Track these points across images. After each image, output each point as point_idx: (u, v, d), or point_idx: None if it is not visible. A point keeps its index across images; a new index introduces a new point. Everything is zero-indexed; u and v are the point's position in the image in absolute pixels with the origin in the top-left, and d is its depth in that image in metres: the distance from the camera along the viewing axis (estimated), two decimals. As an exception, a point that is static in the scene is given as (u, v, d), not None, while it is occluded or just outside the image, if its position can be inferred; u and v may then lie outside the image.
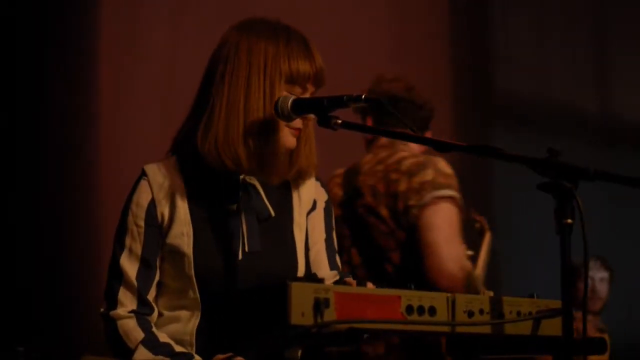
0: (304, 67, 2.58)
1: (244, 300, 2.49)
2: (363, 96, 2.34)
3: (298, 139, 2.63)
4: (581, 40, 6.50)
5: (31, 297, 3.97)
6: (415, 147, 3.81)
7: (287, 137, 2.59)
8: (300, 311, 1.96)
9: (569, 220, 2.06)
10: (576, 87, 6.40)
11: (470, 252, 4.09)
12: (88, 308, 3.77)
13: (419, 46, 5.54)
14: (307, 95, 2.59)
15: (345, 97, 2.36)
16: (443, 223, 3.67)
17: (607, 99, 6.62)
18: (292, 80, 2.57)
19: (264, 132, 2.56)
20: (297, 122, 2.59)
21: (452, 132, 5.51)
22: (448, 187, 3.72)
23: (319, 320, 1.97)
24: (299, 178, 2.71)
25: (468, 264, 3.72)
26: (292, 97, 2.45)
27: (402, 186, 3.71)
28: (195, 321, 2.57)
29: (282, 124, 2.56)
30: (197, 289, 2.56)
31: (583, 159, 2.14)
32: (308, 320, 1.97)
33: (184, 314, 2.59)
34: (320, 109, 2.39)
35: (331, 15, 5.11)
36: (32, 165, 4.11)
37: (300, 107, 2.45)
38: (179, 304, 2.60)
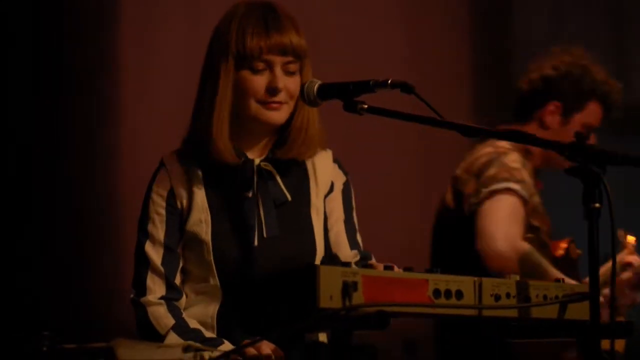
0: (251, 41, 2.57)
1: (265, 284, 2.52)
2: (389, 81, 2.35)
3: (294, 117, 2.65)
4: (600, 32, 6.48)
5: (56, 284, 3.99)
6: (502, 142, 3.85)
7: (263, 113, 2.61)
8: (329, 294, 1.97)
9: (597, 205, 2.06)
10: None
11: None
12: (111, 294, 3.81)
13: (438, 36, 5.53)
14: (277, 69, 2.59)
15: (371, 82, 2.36)
16: (496, 210, 3.66)
17: (626, 90, 6.60)
18: (244, 56, 2.58)
19: (232, 115, 2.59)
20: (270, 96, 2.59)
21: (472, 122, 5.50)
22: (507, 180, 3.71)
23: (347, 303, 1.98)
24: (300, 154, 2.71)
25: (524, 245, 3.65)
26: (318, 82, 2.45)
27: (469, 188, 3.76)
28: (215, 305, 2.60)
29: (251, 100, 2.59)
30: (216, 275, 2.59)
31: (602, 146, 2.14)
32: (336, 303, 1.97)
33: (205, 298, 2.62)
34: (346, 93, 2.39)
35: (349, 10, 5.11)
36: (52, 156, 4.12)
37: (326, 92, 2.45)
38: (202, 289, 2.63)
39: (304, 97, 2.47)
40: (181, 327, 2.55)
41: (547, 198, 4.26)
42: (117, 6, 4.36)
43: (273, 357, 2.37)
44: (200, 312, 2.62)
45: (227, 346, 2.50)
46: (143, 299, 2.59)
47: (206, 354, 2.18)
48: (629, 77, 6.58)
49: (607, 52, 6.49)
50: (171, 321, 2.56)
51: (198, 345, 2.42)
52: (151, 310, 2.58)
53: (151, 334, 2.55)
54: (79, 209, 4.12)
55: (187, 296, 2.65)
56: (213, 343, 2.51)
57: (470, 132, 2.23)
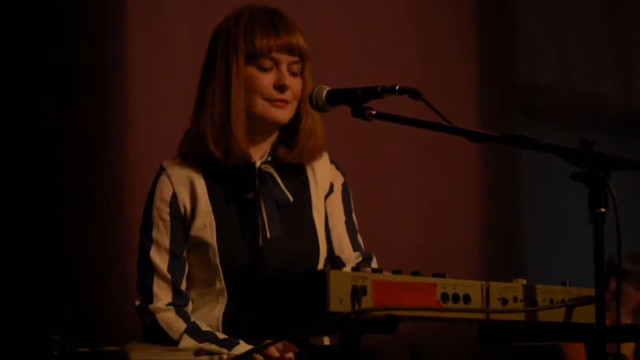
0: (261, 40, 2.62)
1: (270, 285, 2.54)
2: (397, 87, 2.37)
3: (298, 118, 2.69)
4: (601, 34, 6.50)
5: (66, 288, 4.00)
6: None
7: (269, 111, 2.65)
8: (339, 298, 1.99)
9: (602, 209, 2.08)
10: (598, 78, 6.40)
11: None
12: (122, 297, 3.81)
13: (443, 39, 5.55)
14: (283, 67, 2.64)
15: (379, 88, 2.38)
16: None
17: (629, 90, 6.61)
18: (253, 54, 2.63)
19: (236, 113, 2.62)
20: (278, 93, 2.63)
21: (475, 123, 5.52)
22: None
23: (356, 307, 2.01)
24: (309, 159, 2.75)
25: None
26: (327, 88, 2.48)
27: None
28: (220, 308, 2.62)
29: (257, 97, 2.62)
30: (222, 278, 2.61)
31: (605, 150, 2.16)
32: (346, 307, 2.00)
33: (211, 301, 2.64)
34: (354, 99, 2.41)
35: (356, 11, 5.13)
36: (59, 160, 4.14)
37: (334, 98, 2.47)
38: (207, 292, 2.65)
39: (312, 103, 2.49)
40: (194, 330, 2.57)
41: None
42: (123, 5, 4.38)
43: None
44: (206, 315, 2.63)
45: (243, 346, 2.53)
46: (151, 306, 2.60)
47: (224, 356, 2.20)
48: (631, 80, 6.60)
49: (608, 54, 6.51)
50: (183, 325, 2.57)
51: (211, 348, 2.45)
52: (160, 316, 2.59)
53: (163, 340, 2.56)
54: (87, 209, 4.14)
55: (192, 300, 2.67)
56: (228, 343, 2.54)
57: (477, 137, 2.25)
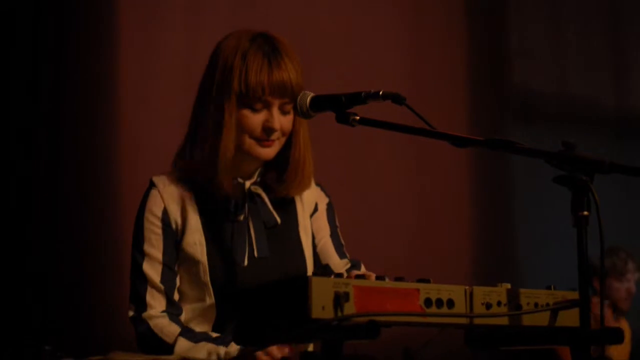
0: (255, 81, 2.61)
1: (257, 302, 2.54)
2: (381, 92, 2.37)
3: (288, 148, 2.69)
4: (597, 34, 6.50)
5: (53, 296, 4.01)
6: None
7: (255, 150, 2.66)
8: (321, 305, 1.99)
9: (585, 212, 2.08)
10: (592, 81, 6.40)
11: None
12: (111, 307, 3.82)
13: (435, 43, 5.56)
14: (275, 109, 2.64)
15: (363, 94, 2.38)
16: None
17: (623, 93, 6.61)
18: (245, 96, 2.62)
19: (224, 153, 2.62)
20: (266, 135, 2.64)
21: (468, 127, 5.53)
22: None
23: (339, 313, 2.00)
24: (296, 192, 2.78)
25: None
26: (311, 95, 2.48)
27: None
28: (210, 323, 2.66)
29: (246, 136, 2.63)
30: (212, 294, 2.63)
31: (599, 153, 2.16)
32: (328, 313, 1.99)
33: (200, 316, 2.66)
34: (338, 105, 2.41)
35: (349, 17, 5.14)
36: (52, 167, 4.14)
37: (319, 104, 2.47)
38: (197, 308, 2.67)
39: (296, 110, 2.49)
40: (188, 332, 2.60)
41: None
42: (117, 8, 4.39)
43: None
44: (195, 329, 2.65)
45: (234, 347, 2.55)
46: (145, 314, 2.62)
47: (221, 351, 2.19)
48: (626, 82, 6.60)
49: (603, 57, 6.51)
50: (177, 328, 2.60)
51: (207, 347, 2.46)
52: (154, 322, 2.61)
53: (157, 346, 2.58)
54: (78, 220, 4.15)
55: None
56: (222, 341, 2.56)
57: (460, 142, 2.25)
